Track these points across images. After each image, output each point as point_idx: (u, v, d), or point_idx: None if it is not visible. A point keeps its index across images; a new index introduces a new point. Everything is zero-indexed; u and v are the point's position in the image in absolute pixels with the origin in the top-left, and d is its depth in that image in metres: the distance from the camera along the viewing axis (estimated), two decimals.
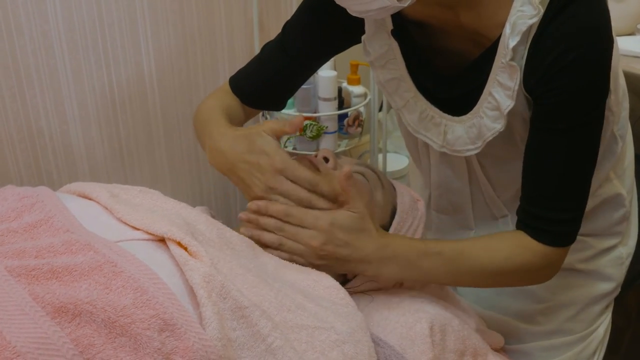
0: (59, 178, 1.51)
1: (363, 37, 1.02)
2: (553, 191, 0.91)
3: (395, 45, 0.99)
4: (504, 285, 1.06)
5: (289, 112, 1.73)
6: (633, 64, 1.60)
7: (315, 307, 0.79)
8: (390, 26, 0.98)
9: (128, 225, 0.78)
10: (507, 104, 0.89)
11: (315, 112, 1.71)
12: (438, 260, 0.93)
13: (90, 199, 0.85)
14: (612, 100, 0.94)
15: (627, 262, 1.13)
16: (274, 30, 1.82)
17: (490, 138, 0.93)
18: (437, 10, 0.90)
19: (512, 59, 0.86)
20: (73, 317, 0.62)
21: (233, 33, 1.73)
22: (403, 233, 1.02)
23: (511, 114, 0.90)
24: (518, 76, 0.87)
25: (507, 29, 0.84)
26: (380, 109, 1.89)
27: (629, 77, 1.54)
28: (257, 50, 1.76)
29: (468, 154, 0.98)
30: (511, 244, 0.94)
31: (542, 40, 0.84)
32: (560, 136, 0.88)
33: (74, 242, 0.71)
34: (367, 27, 1.01)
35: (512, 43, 0.84)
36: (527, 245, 0.93)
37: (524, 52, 0.86)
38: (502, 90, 0.89)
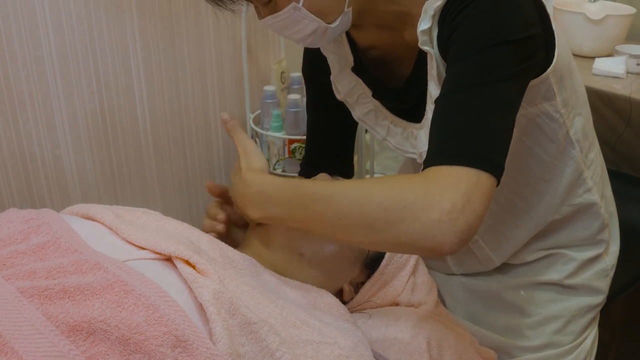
0: (51, 202, 1.51)
1: (331, 77, 1.07)
2: (459, 125, 0.79)
3: (360, 80, 1.04)
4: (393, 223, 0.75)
5: (278, 134, 1.75)
6: (612, 84, 1.64)
7: (318, 323, 0.81)
8: (351, 63, 1.04)
9: (134, 245, 0.79)
10: (435, 93, 0.88)
11: (304, 135, 1.73)
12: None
13: (94, 220, 0.86)
14: (558, 102, 0.95)
15: (612, 274, 1.15)
16: (262, 55, 1.87)
17: None
18: (386, 35, 0.95)
19: (427, 44, 0.87)
20: (87, 335, 0.63)
21: (222, 58, 1.76)
22: (398, 256, 1.05)
23: None
24: (434, 59, 0.88)
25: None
26: (367, 131, 1.92)
27: (608, 97, 1.59)
28: (246, 75, 1.79)
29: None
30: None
31: (444, 13, 0.85)
32: (460, 63, 0.81)
33: (83, 262, 0.72)
34: (331, 67, 1.06)
35: (423, 27, 0.86)
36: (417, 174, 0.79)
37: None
38: (433, 82, 0.90)
